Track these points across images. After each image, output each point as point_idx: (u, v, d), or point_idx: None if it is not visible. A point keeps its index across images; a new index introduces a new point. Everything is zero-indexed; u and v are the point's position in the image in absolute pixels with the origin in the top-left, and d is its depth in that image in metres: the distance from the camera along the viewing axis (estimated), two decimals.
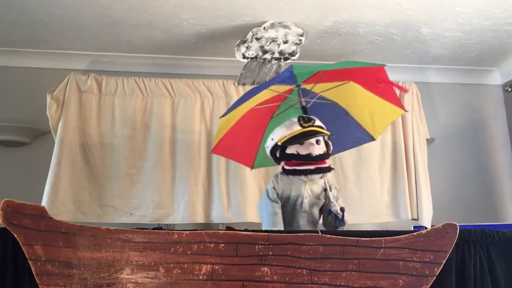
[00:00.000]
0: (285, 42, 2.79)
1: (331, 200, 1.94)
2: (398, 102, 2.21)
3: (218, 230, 1.60)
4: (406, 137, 2.99)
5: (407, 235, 1.58)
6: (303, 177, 1.94)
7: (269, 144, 2.02)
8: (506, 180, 3.42)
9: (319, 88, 2.15)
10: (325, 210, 1.98)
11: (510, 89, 3.46)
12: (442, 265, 1.57)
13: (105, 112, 2.86)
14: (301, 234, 1.56)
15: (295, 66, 1.93)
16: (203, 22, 2.76)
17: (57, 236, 1.47)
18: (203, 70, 3.22)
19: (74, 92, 2.82)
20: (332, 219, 1.93)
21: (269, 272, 1.51)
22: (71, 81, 2.83)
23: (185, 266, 1.49)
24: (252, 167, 2.37)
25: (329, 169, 1.96)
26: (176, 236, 1.51)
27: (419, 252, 1.56)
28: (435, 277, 1.56)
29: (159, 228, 2.57)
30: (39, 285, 1.44)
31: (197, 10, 2.61)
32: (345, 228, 1.89)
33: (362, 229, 1.71)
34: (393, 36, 2.97)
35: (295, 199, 1.98)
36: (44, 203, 2.57)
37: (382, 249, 1.56)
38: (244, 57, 2.82)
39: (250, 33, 2.73)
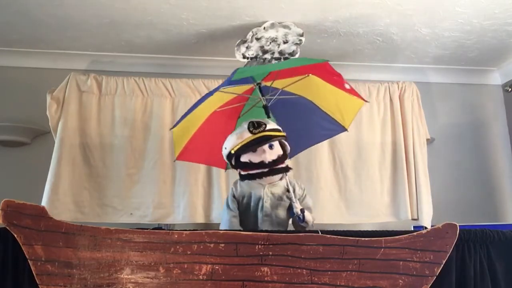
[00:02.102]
0: (285, 42, 2.79)
1: (293, 201, 1.94)
2: (356, 93, 2.21)
3: (218, 230, 1.60)
4: (406, 137, 2.99)
5: (407, 235, 1.59)
6: (261, 181, 1.95)
7: (224, 153, 2.02)
8: (506, 180, 3.42)
9: (279, 84, 2.15)
10: (290, 211, 1.99)
11: (510, 89, 3.46)
12: (442, 265, 1.57)
13: (105, 112, 2.86)
14: (301, 234, 1.56)
15: (240, 71, 1.90)
16: (203, 22, 2.76)
17: (57, 236, 1.47)
18: (203, 70, 3.22)
19: (74, 92, 2.82)
20: (295, 219, 1.95)
21: (269, 272, 1.51)
22: (71, 81, 2.83)
23: (185, 266, 1.49)
24: (226, 168, 2.37)
25: (285, 169, 1.96)
26: (176, 236, 1.51)
27: (419, 252, 1.56)
28: (435, 277, 1.56)
29: (159, 228, 2.56)
30: (39, 285, 1.44)
31: (197, 10, 2.61)
32: (345, 228, 1.90)
33: (362, 229, 1.71)
34: (393, 36, 2.97)
35: (256, 203, 1.99)
36: (44, 203, 2.57)
37: (382, 249, 1.56)
38: (244, 57, 2.82)
39: (250, 33, 2.73)
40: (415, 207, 2.87)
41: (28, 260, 1.45)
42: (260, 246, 1.52)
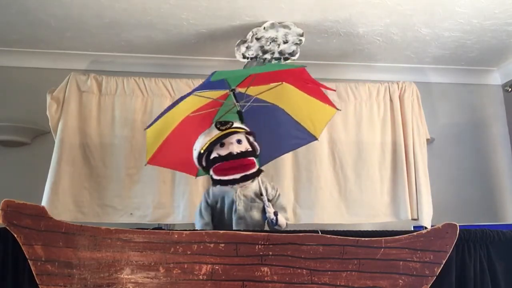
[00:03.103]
0: (285, 42, 2.79)
1: (266, 204, 1.97)
2: (329, 101, 2.20)
3: (218, 230, 1.60)
4: (406, 137, 2.98)
5: (407, 235, 1.59)
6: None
7: (194, 155, 2.01)
8: (506, 180, 3.42)
9: (253, 91, 2.14)
10: (263, 214, 2.01)
11: (510, 89, 3.46)
12: (442, 265, 1.57)
13: (105, 112, 2.86)
14: (301, 234, 1.56)
15: (218, 72, 1.89)
16: (203, 22, 2.76)
17: (57, 236, 1.47)
18: (203, 70, 3.21)
19: (74, 92, 2.82)
20: (269, 223, 1.98)
21: (269, 272, 1.51)
22: (71, 81, 2.83)
23: (185, 266, 1.49)
24: (196, 175, 2.35)
25: (256, 173, 1.94)
26: (176, 236, 1.51)
27: (419, 252, 1.56)
28: (435, 277, 1.56)
29: (159, 228, 2.56)
30: (39, 285, 1.44)
31: (197, 10, 2.61)
32: (345, 228, 1.90)
33: (362, 229, 1.71)
34: (393, 36, 2.97)
35: (229, 206, 2.02)
36: (44, 203, 2.56)
37: (382, 249, 1.56)
38: (244, 57, 2.82)
39: (250, 33, 2.73)
40: (415, 207, 2.87)
41: (28, 260, 1.45)
42: (260, 246, 1.52)
